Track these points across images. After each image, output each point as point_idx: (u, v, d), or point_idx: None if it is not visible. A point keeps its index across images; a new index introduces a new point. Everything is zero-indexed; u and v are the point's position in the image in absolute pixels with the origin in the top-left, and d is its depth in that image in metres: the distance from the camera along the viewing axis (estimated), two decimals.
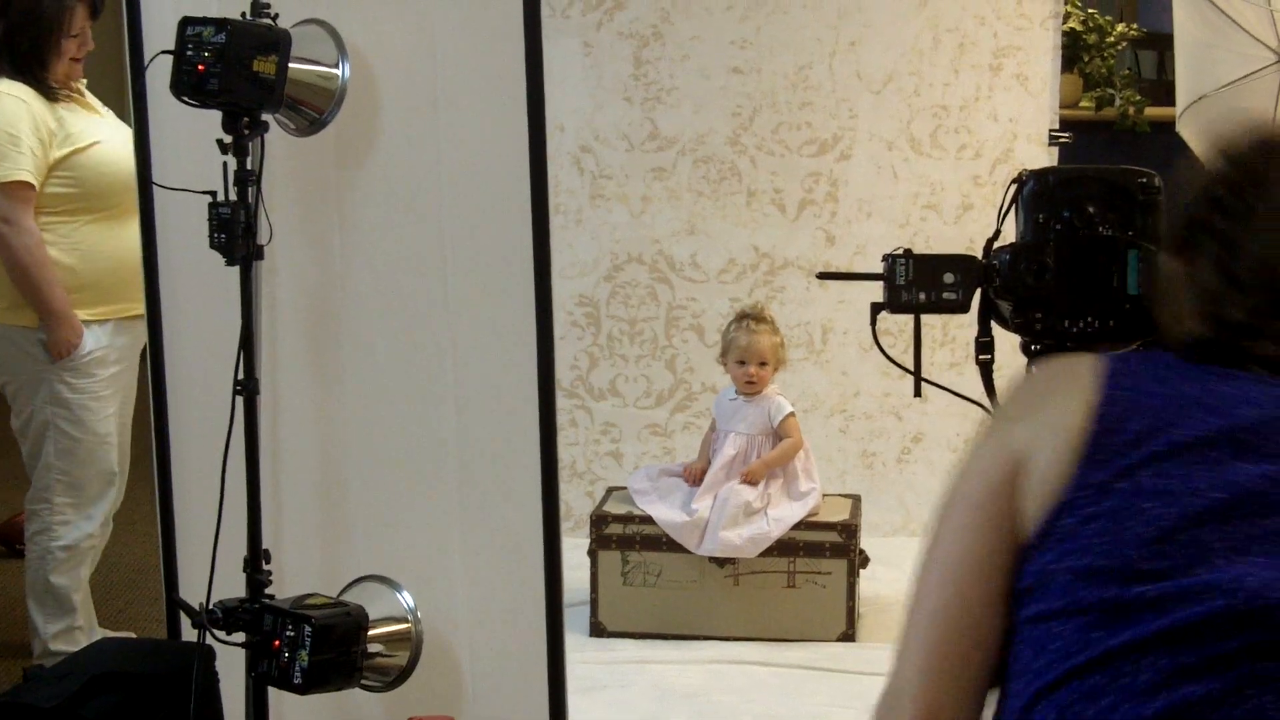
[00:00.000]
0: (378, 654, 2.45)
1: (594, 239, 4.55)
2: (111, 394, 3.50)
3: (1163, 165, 1.98)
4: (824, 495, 3.85)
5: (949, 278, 2.28)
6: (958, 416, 4.35)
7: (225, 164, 2.36)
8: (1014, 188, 2.22)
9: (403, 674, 2.53)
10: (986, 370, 2.29)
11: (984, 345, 2.30)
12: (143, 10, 2.67)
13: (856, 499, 3.93)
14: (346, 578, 2.59)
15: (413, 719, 2.55)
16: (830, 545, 3.71)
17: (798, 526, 3.72)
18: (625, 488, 3.93)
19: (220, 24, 2.28)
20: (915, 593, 1.30)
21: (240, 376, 2.41)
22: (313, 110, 2.48)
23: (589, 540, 3.79)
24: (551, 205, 2.49)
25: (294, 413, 2.65)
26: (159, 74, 2.39)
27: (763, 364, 3.84)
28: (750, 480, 3.78)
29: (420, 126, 2.52)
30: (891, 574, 3.84)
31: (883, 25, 4.41)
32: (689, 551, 3.72)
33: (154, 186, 2.69)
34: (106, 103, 3.57)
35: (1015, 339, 2.25)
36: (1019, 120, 4.42)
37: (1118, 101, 5.47)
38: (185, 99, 2.31)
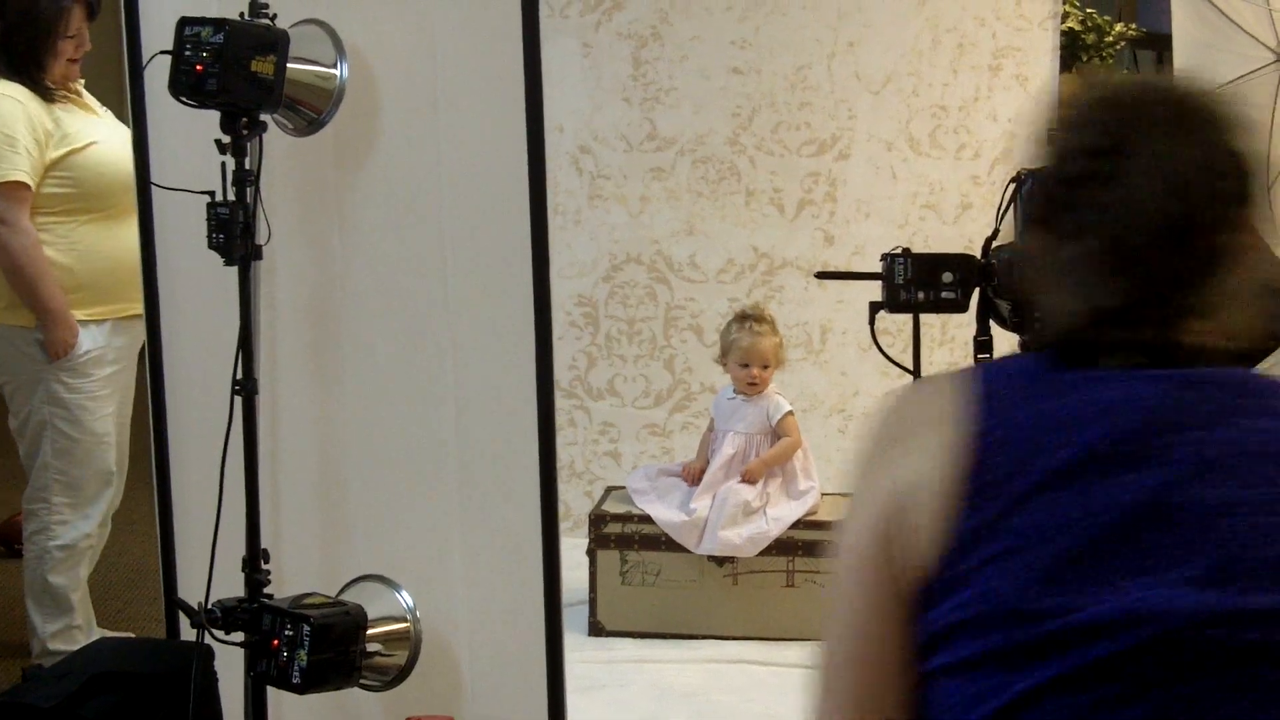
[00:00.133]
0: (377, 653, 2.45)
1: (593, 239, 4.55)
2: (109, 394, 3.50)
3: None
4: (823, 494, 3.84)
5: (948, 277, 2.29)
6: None
7: (224, 164, 2.35)
8: (1012, 188, 2.23)
9: (402, 673, 2.53)
10: None
11: (982, 344, 2.31)
12: (141, 10, 2.67)
13: None
14: (345, 577, 2.59)
15: (411, 718, 2.55)
16: (829, 544, 3.70)
17: (796, 525, 3.72)
18: (624, 487, 3.93)
19: (218, 24, 2.27)
20: (822, 651, 1.29)
21: (239, 376, 2.41)
22: (311, 110, 2.48)
23: (588, 540, 3.79)
24: (550, 205, 2.48)
25: (293, 413, 2.65)
26: (157, 74, 2.39)
27: (765, 366, 3.84)
28: (749, 479, 3.78)
29: (419, 127, 2.52)
30: None
31: (882, 26, 4.42)
32: (688, 551, 3.72)
33: (152, 187, 2.69)
34: (105, 103, 3.56)
35: (1014, 338, 2.25)
36: (1018, 120, 4.42)
37: None
38: (183, 99, 2.30)
